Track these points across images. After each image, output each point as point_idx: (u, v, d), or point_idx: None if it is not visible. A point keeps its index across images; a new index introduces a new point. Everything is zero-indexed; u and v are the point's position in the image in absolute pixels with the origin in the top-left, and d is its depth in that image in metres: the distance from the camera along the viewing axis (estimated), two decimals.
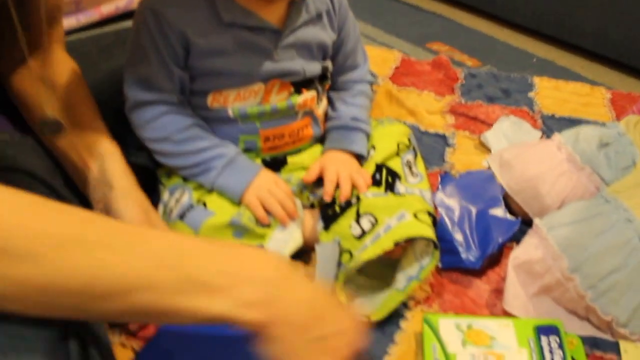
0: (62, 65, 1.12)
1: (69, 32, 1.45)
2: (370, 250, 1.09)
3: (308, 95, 1.21)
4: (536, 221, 1.16)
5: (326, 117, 1.32)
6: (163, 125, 1.12)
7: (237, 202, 1.13)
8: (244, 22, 1.10)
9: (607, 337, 1.10)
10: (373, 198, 1.17)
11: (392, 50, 2.12)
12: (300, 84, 1.20)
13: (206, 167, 1.14)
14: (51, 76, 1.09)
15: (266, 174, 1.17)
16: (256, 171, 1.16)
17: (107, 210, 1.01)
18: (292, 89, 1.19)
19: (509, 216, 1.28)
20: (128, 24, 1.16)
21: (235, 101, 1.15)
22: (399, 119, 1.68)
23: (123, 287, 0.61)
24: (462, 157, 1.58)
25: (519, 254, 1.15)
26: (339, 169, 1.20)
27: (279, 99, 1.18)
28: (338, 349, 0.70)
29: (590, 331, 1.11)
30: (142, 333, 1.06)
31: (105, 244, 0.62)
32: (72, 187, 1.09)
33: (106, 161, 1.04)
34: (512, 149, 1.40)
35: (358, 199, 1.17)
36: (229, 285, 0.64)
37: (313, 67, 1.21)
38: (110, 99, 1.20)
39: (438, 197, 1.32)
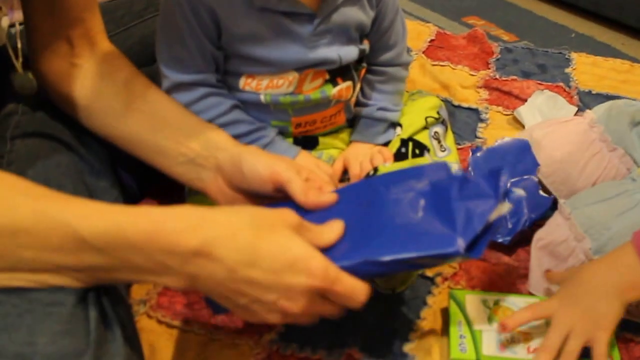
0: (109, 57, 1.08)
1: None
2: None
3: (343, 85, 1.19)
4: (561, 201, 1.15)
5: (356, 100, 1.30)
6: (203, 109, 1.09)
7: None
8: (277, 6, 1.05)
9: (637, 320, 1.08)
10: (391, 165, 1.18)
11: (427, 24, 2.11)
12: (336, 72, 1.17)
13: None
14: (102, 70, 1.05)
15: (306, 156, 1.16)
16: (296, 152, 1.15)
17: (225, 174, 0.97)
18: (327, 76, 1.16)
19: (542, 192, 1.26)
20: None
21: (268, 88, 1.13)
22: (431, 93, 1.67)
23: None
24: (494, 132, 1.57)
25: (543, 234, 1.14)
26: (362, 163, 1.21)
27: (312, 88, 1.15)
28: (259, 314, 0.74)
29: None
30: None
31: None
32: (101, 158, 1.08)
33: (206, 135, 1.01)
34: (542, 126, 1.37)
35: (375, 170, 1.17)
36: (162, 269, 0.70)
37: (350, 53, 1.16)
38: (142, 65, 1.18)
39: (471, 160, 1.30)
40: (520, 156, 1.28)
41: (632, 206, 1.06)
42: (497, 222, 0.82)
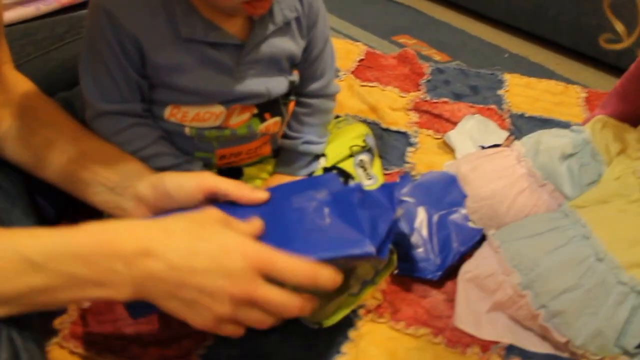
0: (19, 87, 1.07)
1: (28, 21, 1.41)
2: None
3: (271, 121, 1.16)
4: (489, 233, 1.13)
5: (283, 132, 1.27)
6: (128, 140, 1.06)
7: None
8: (204, 37, 1.01)
9: (567, 356, 1.06)
10: None
11: (357, 43, 2.08)
12: (264, 107, 1.13)
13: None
14: (10, 100, 1.05)
15: None
16: None
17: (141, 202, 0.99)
18: (254, 111, 1.13)
19: (470, 224, 1.24)
20: (84, 11, 1.11)
21: (194, 121, 1.09)
22: (358, 116, 1.65)
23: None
24: (423, 157, 1.54)
25: (470, 267, 1.12)
26: None
27: (239, 122, 1.12)
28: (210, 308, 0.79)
29: (550, 349, 1.07)
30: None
31: None
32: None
33: (123, 166, 1.02)
34: (469, 160, 1.35)
35: None
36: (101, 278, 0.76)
37: (279, 85, 1.13)
38: (62, 89, 1.20)
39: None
40: (448, 189, 1.27)
41: (563, 243, 1.05)
42: (394, 227, 0.93)
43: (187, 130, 1.10)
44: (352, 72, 1.88)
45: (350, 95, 1.75)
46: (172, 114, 1.08)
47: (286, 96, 1.19)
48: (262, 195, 0.95)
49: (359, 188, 0.97)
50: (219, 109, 1.08)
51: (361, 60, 1.96)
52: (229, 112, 1.09)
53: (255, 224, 0.88)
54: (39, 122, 1.04)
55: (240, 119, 1.12)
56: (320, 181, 1.00)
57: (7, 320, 0.74)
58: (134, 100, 1.06)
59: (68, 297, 0.76)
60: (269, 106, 1.14)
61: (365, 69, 1.91)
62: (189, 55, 1.03)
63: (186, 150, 1.13)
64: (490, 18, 2.39)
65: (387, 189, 0.99)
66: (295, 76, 1.17)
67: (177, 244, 0.78)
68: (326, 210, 0.91)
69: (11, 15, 1.41)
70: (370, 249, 0.86)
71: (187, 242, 0.79)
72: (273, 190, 0.98)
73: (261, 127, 1.14)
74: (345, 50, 2.00)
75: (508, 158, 1.30)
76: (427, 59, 2.05)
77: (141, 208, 0.97)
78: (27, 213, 1.03)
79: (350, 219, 0.90)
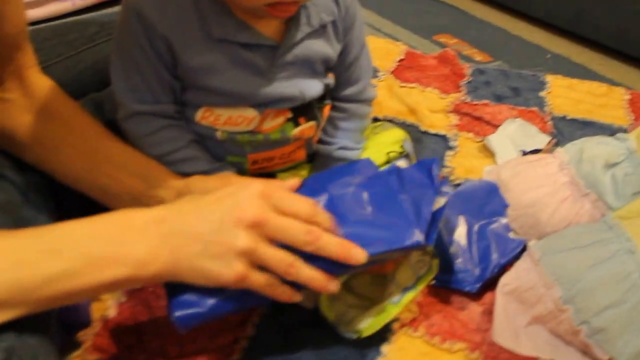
0: (45, 91, 1.03)
1: (62, 17, 1.38)
2: None
3: (306, 125, 1.10)
4: (530, 244, 1.06)
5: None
6: (159, 142, 1.02)
7: None
8: (236, 37, 0.97)
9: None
10: None
11: (397, 43, 2.01)
12: (299, 111, 1.08)
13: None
14: (34, 105, 1.01)
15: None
16: None
17: None
18: (289, 115, 1.07)
19: (512, 234, 1.18)
20: (117, 9, 1.07)
21: (226, 124, 1.04)
22: (397, 118, 1.59)
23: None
24: (463, 161, 1.48)
25: (509, 279, 1.05)
26: None
27: (272, 126, 1.06)
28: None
29: None
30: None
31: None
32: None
33: (149, 174, 1.00)
34: (510, 166, 1.29)
35: None
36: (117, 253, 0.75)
37: (313, 87, 1.07)
38: (93, 90, 1.15)
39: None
40: (489, 198, 1.21)
41: (607, 257, 0.98)
42: (438, 214, 0.89)
43: (218, 134, 1.05)
44: (392, 73, 1.81)
45: (389, 96, 1.69)
46: (204, 116, 1.04)
47: (321, 100, 1.13)
48: (294, 182, 0.92)
49: (395, 169, 0.95)
50: (252, 113, 1.03)
51: (401, 60, 1.90)
52: (262, 116, 1.04)
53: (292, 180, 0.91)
54: (64, 129, 1.00)
55: (273, 124, 1.06)
56: (355, 167, 0.99)
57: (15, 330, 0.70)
58: (167, 101, 1.02)
59: (90, 283, 0.73)
60: (303, 110, 1.08)
61: (405, 70, 1.85)
62: (220, 56, 0.98)
63: (218, 155, 1.08)
64: (532, 17, 2.32)
65: (425, 165, 0.96)
66: (330, 79, 1.12)
67: (187, 207, 0.81)
68: (365, 195, 0.89)
69: (47, 10, 1.39)
70: (419, 237, 0.84)
71: (200, 203, 0.81)
72: (307, 180, 0.94)
73: (295, 131, 1.09)
74: (385, 50, 1.94)
75: (550, 165, 1.24)
76: (467, 59, 1.99)
77: None
78: (39, 209, 0.98)
79: (393, 206, 0.87)
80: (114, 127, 1.03)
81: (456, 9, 2.40)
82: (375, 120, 1.54)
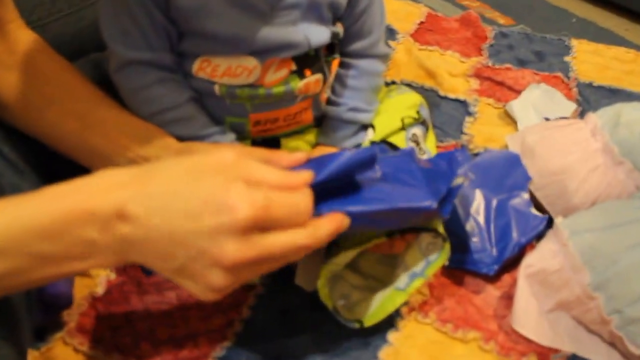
0: (29, 47, 0.91)
1: None
2: (357, 240, 0.85)
3: (312, 78, 0.95)
4: (557, 221, 0.91)
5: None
6: (154, 98, 0.88)
7: None
8: None
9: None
10: None
11: (418, 4, 1.84)
12: (304, 62, 0.93)
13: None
14: (18, 62, 0.88)
15: None
16: None
17: None
18: (293, 67, 0.92)
19: (534, 210, 1.02)
20: None
21: (224, 76, 0.90)
22: (415, 82, 1.43)
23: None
24: (482, 128, 1.32)
25: (532, 261, 0.91)
26: None
27: (275, 80, 0.92)
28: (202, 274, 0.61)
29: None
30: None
31: None
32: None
33: (146, 134, 0.87)
34: (537, 130, 1.13)
35: None
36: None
37: (320, 35, 0.93)
38: (94, 49, 1.03)
39: None
40: (509, 170, 1.05)
41: None
42: (455, 190, 0.81)
43: (217, 89, 0.91)
44: (411, 35, 1.65)
45: (407, 59, 1.53)
46: (201, 67, 0.89)
47: (329, 52, 0.99)
48: (300, 155, 0.76)
49: (412, 152, 0.85)
50: (252, 63, 0.89)
51: (421, 22, 1.73)
52: (264, 67, 0.90)
53: (296, 156, 0.73)
54: (51, 87, 0.88)
55: (276, 77, 0.92)
56: (367, 149, 0.84)
57: None
58: (163, 49, 0.88)
59: (45, 275, 0.61)
60: (309, 61, 0.94)
61: (426, 32, 1.68)
62: None
63: (217, 115, 0.94)
64: None
65: (446, 155, 0.88)
66: (338, 28, 0.97)
67: (157, 202, 0.59)
68: (377, 168, 0.76)
69: None
70: (432, 202, 0.74)
71: (169, 199, 0.60)
72: (314, 160, 0.80)
73: (300, 85, 0.94)
74: (405, 12, 1.77)
75: (582, 130, 1.09)
76: (490, 22, 1.81)
77: None
78: (37, 185, 0.85)
79: (407, 176, 0.78)
80: (112, 90, 0.91)
81: None
82: (392, 83, 1.40)
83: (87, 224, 0.58)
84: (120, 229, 0.58)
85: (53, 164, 0.92)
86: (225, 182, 0.59)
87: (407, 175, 0.78)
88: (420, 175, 0.78)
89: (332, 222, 0.66)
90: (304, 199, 0.63)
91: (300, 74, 0.93)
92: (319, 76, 0.96)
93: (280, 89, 0.92)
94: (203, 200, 0.59)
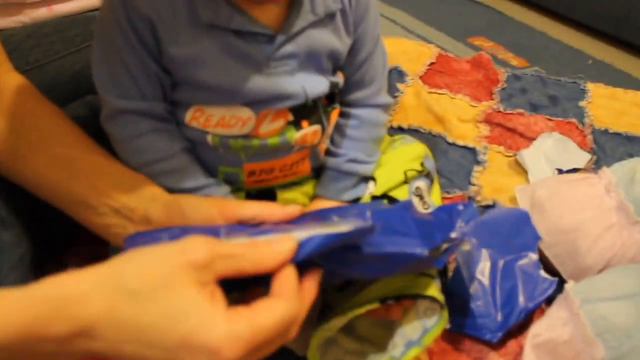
0: (14, 92, 0.87)
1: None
2: (350, 304, 0.80)
3: (309, 129, 0.90)
4: (568, 287, 0.85)
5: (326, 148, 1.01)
6: (146, 148, 0.84)
7: None
8: (227, 23, 0.79)
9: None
10: None
11: (429, 45, 1.79)
12: (301, 113, 0.88)
13: None
14: (4, 106, 0.85)
15: None
16: None
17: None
18: (289, 117, 0.87)
19: (543, 273, 0.96)
20: None
21: (218, 126, 0.85)
22: (422, 127, 1.38)
23: None
24: (491, 178, 1.26)
25: (540, 330, 0.85)
26: None
27: (271, 131, 0.87)
28: None
29: None
30: None
31: None
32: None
33: (133, 184, 0.83)
34: (547, 184, 1.07)
35: None
36: None
37: (317, 85, 0.88)
38: (88, 92, 1.01)
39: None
40: (518, 229, 0.99)
41: None
42: (453, 247, 0.75)
43: (209, 139, 0.86)
44: (421, 77, 1.59)
45: (416, 103, 1.48)
46: (194, 117, 0.85)
47: (328, 102, 0.94)
48: (294, 209, 0.73)
49: (409, 204, 0.81)
50: (247, 114, 0.84)
51: (432, 63, 1.68)
52: (258, 117, 0.85)
53: (286, 243, 0.62)
54: (37, 133, 0.84)
55: (272, 127, 0.87)
56: (364, 204, 0.84)
57: None
58: (155, 98, 0.84)
59: None
60: (306, 112, 0.89)
61: (436, 74, 1.63)
62: (210, 44, 0.80)
63: (210, 163, 0.90)
64: (573, 20, 2.11)
65: (448, 207, 0.82)
66: (338, 78, 0.93)
67: (119, 326, 0.53)
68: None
69: (74, 5, 1.26)
70: (421, 250, 0.69)
71: (133, 323, 0.54)
72: (309, 213, 0.77)
73: (297, 136, 0.88)
74: (416, 53, 1.72)
75: (595, 187, 1.03)
76: (503, 63, 1.77)
77: None
78: (17, 241, 0.85)
79: (400, 226, 0.73)
80: (106, 134, 0.87)
81: (492, 10, 2.18)
82: (399, 129, 1.35)
83: (42, 341, 0.53)
84: (81, 344, 0.53)
85: (37, 213, 0.89)
86: (205, 317, 0.54)
87: (400, 224, 0.73)
88: (414, 225, 0.74)
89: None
90: (290, 308, 0.58)
91: (297, 124, 0.88)
92: (316, 127, 0.91)
93: (275, 140, 0.87)
94: (182, 339, 0.53)
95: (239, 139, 0.86)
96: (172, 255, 0.56)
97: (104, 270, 0.56)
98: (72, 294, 0.53)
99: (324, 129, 0.93)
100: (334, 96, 0.95)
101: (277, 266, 0.59)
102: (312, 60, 0.86)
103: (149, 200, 0.80)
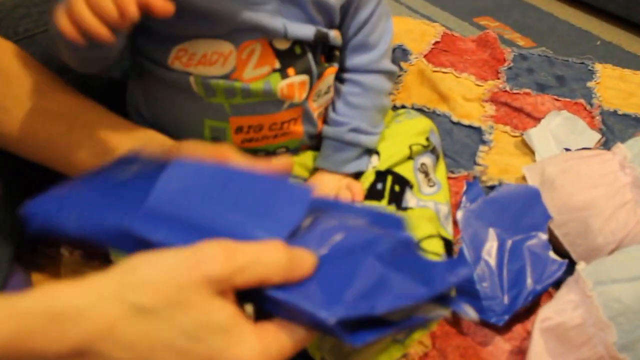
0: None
1: None
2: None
3: (295, 79, 0.86)
4: (579, 268, 0.81)
5: (326, 116, 0.98)
6: None
7: None
8: None
9: None
10: None
11: (433, 24, 1.74)
12: (287, 59, 0.85)
13: None
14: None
15: None
16: None
17: None
18: (275, 63, 0.84)
19: (552, 254, 0.92)
20: None
21: (199, 64, 0.82)
22: (427, 106, 1.34)
23: None
24: (497, 158, 1.22)
25: (550, 313, 0.81)
26: None
27: (255, 76, 0.84)
28: None
29: None
30: None
31: None
32: None
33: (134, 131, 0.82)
34: (558, 161, 1.03)
35: None
36: None
37: (302, 29, 0.85)
38: None
39: (461, 214, 0.97)
40: (527, 207, 0.96)
41: None
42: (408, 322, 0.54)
43: (192, 82, 0.83)
44: (425, 56, 1.55)
45: (419, 81, 1.43)
46: (177, 56, 0.82)
47: (327, 58, 0.91)
48: (285, 161, 0.67)
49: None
50: (227, 47, 0.82)
51: (436, 42, 1.63)
52: (240, 54, 0.82)
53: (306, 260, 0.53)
54: (19, 87, 0.82)
55: (256, 74, 0.84)
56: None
57: None
58: None
59: None
60: (293, 59, 0.86)
61: (440, 53, 1.59)
62: None
63: (195, 117, 0.87)
64: (582, 1, 2.05)
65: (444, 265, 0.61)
66: (331, 31, 0.89)
67: (132, 342, 0.47)
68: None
69: None
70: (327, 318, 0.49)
71: (149, 339, 0.47)
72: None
73: (282, 84, 0.85)
74: (419, 31, 1.68)
75: (609, 162, 0.99)
76: (509, 43, 1.73)
77: None
78: (9, 234, 0.85)
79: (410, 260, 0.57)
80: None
81: None
82: (401, 107, 1.31)
83: (34, 358, 0.46)
84: None
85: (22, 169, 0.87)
86: (234, 332, 0.48)
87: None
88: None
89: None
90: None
91: (282, 72, 0.85)
92: (304, 77, 0.87)
93: (258, 85, 0.84)
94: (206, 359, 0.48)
95: (220, 79, 0.83)
96: (185, 268, 0.48)
97: (105, 282, 0.49)
98: (67, 308, 0.47)
99: (312, 81, 0.89)
100: (333, 56, 0.92)
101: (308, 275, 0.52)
102: (297, 6, 0.84)
103: (147, 141, 0.79)
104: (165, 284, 0.47)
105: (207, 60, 0.82)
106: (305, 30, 0.85)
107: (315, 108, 0.93)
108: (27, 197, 0.63)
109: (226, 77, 0.83)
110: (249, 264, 0.49)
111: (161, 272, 0.48)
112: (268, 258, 0.50)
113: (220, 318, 0.48)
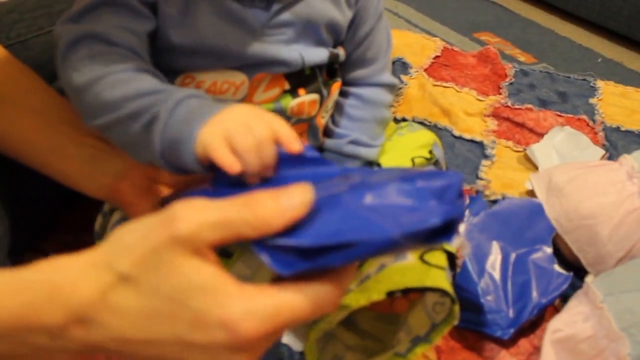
0: None
1: None
2: (353, 297, 0.75)
3: (306, 98, 0.85)
4: (589, 279, 0.81)
5: (326, 128, 0.97)
6: (101, 62, 0.69)
7: (192, 153, 0.62)
8: None
9: None
10: None
11: (434, 38, 1.75)
12: (298, 80, 0.84)
13: (148, 114, 0.66)
14: None
15: (242, 107, 0.66)
16: (224, 106, 0.65)
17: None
18: (285, 85, 0.83)
19: (557, 267, 0.92)
20: None
21: (209, 92, 0.79)
22: (428, 120, 1.34)
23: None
24: (500, 173, 1.22)
25: (560, 325, 0.81)
26: None
27: (265, 99, 0.83)
28: None
29: None
30: None
31: None
32: None
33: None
34: (565, 170, 1.03)
35: None
36: None
37: (317, 54, 0.85)
38: None
39: (464, 227, 0.97)
40: (531, 221, 0.96)
41: None
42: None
43: None
44: (425, 70, 1.55)
45: (420, 95, 1.44)
46: (184, 84, 0.79)
47: (329, 74, 0.91)
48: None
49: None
50: (239, 78, 0.80)
51: (437, 57, 1.64)
52: (252, 83, 0.80)
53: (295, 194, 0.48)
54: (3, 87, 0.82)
55: (266, 96, 0.83)
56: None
57: None
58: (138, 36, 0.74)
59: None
60: (304, 80, 0.85)
61: (441, 67, 1.59)
62: (204, 4, 0.76)
63: None
64: (583, 19, 2.07)
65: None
66: (339, 50, 0.89)
67: (122, 308, 0.47)
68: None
69: None
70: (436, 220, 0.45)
71: (136, 305, 0.47)
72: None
73: (292, 104, 0.84)
74: (420, 45, 1.68)
75: (617, 172, 1.00)
76: (510, 59, 1.73)
77: (132, 172, 0.76)
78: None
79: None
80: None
81: (499, 6, 2.15)
82: (402, 120, 1.31)
83: (34, 333, 0.48)
84: (76, 333, 0.48)
85: (15, 196, 0.88)
86: (215, 290, 0.46)
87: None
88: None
89: None
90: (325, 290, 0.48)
91: (293, 92, 0.85)
92: (314, 97, 0.87)
93: (268, 107, 0.83)
94: (192, 320, 0.46)
95: None
96: (153, 229, 0.47)
97: (93, 254, 0.49)
98: (63, 280, 0.48)
99: (322, 100, 0.89)
100: (335, 71, 0.92)
101: (287, 226, 0.47)
102: (310, 31, 0.83)
103: None
104: (140, 248, 0.47)
105: (217, 89, 0.80)
106: (320, 54, 0.85)
107: (322, 124, 0.93)
108: None
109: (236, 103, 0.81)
110: (220, 219, 0.47)
111: (136, 237, 0.47)
112: (237, 213, 0.47)
113: (199, 278, 0.46)
